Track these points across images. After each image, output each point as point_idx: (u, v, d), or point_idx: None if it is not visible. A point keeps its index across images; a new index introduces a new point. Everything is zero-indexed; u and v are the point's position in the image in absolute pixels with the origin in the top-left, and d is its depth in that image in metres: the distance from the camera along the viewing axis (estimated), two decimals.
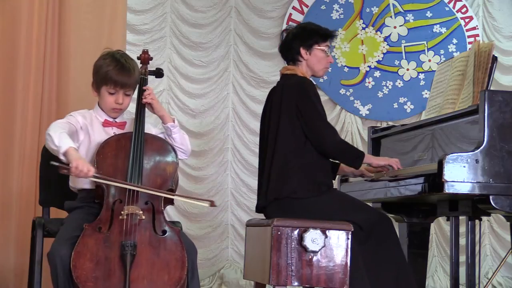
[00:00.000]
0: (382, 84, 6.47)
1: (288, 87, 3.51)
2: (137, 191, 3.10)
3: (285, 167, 3.42)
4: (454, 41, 6.54)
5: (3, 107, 4.75)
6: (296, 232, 3.19)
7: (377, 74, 6.47)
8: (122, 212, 3.04)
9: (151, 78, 3.57)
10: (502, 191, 3.13)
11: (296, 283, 3.19)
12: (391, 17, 6.53)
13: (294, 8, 6.42)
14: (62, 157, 3.05)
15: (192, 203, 3.16)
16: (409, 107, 6.47)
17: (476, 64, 3.56)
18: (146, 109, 3.35)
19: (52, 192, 3.58)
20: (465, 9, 6.58)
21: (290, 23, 6.34)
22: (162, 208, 3.14)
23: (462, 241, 4.05)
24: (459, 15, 6.57)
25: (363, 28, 6.50)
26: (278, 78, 3.74)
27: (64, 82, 4.95)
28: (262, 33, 6.38)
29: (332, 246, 3.21)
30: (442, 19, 6.57)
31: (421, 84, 6.49)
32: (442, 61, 5.98)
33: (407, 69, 6.50)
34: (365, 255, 3.33)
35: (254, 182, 5.90)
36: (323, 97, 5.84)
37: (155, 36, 6.16)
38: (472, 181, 3.13)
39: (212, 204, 3.16)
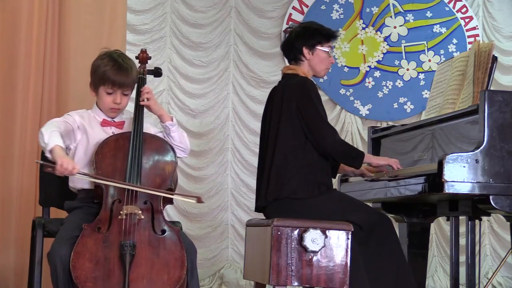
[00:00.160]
0: (382, 84, 6.47)
1: (289, 87, 3.51)
2: (136, 191, 3.10)
3: (285, 167, 3.42)
4: (454, 41, 6.54)
5: (3, 107, 4.75)
6: (296, 232, 3.19)
7: (377, 74, 6.47)
8: (121, 212, 3.05)
9: (150, 77, 3.57)
10: (502, 191, 3.13)
11: (296, 283, 3.19)
12: (391, 17, 6.53)
13: (294, 8, 6.42)
14: (48, 155, 3.07)
15: (180, 199, 3.14)
16: (409, 107, 6.47)
17: (476, 64, 3.56)
18: (145, 108, 3.35)
19: (52, 192, 3.58)
20: (465, 9, 6.58)
21: (290, 23, 6.34)
22: (162, 208, 3.14)
23: (462, 241, 4.05)
24: (459, 15, 6.57)
25: (363, 28, 6.50)
26: (278, 78, 3.74)
27: (64, 82, 4.95)
28: (262, 33, 6.38)
29: (332, 246, 3.21)
30: (442, 19, 6.57)
31: (421, 84, 6.49)
32: (442, 61, 5.98)
33: (407, 69, 6.50)
34: (365, 255, 3.33)
35: (254, 182, 5.84)
36: (323, 97, 5.83)
37: (155, 36, 6.16)
38: (472, 181, 3.13)
39: (199, 200, 3.16)
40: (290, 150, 3.43)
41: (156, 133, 3.39)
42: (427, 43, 6.53)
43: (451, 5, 6.57)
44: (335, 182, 3.91)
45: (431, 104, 3.94)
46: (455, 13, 6.57)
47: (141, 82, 3.39)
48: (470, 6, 6.59)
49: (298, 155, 3.43)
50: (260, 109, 6.03)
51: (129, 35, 5.79)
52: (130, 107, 3.39)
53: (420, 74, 6.51)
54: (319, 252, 3.18)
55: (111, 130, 3.33)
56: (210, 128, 6.22)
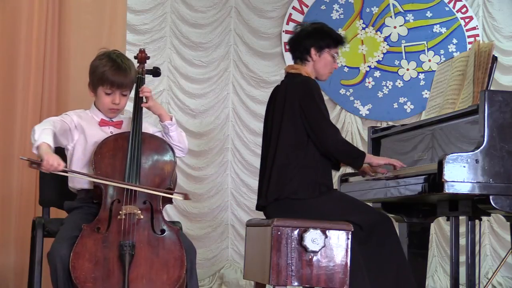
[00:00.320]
0: (382, 84, 6.47)
1: (292, 86, 3.51)
2: (135, 191, 3.10)
3: (286, 167, 3.42)
4: (454, 41, 6.54)
5: (3, 107, 4.75)
6: (296, 232, 3.19)
7: (377, 74, 6.47)
8: (120, 212, 3.05)
9: (149, 77, 3.56)
10: (502, 191, 3.13)
11: (296, 283, 3.19)
12: (391, 17, 6.53)
13: (294, 8, 6.42)
14: (35, 151, 3.08)
15: (168, 196, 3.13)
16: (409, 107, 6.47)
17: (476, 64, 3.56)
18: (144, 108, 3.35)
19: (52, 192, 3.58)
20: (465, 9, 6.58)
21: (291, 23, 6.35)
22: (161, 208, 3.14)
23: (462, 241, 4.05)
24: (459, 15, 6.57)
25: (363, 28, 6.50)
26: (278, 78, 3.75)
27: (64, 82, 4.95)
28: (262, 33, 6.38)
29: (332, 246, 3.21)
30: (442, 19, 6.57)
31: (421, 84, 6.49)
32: (442, 61, 5.98)
33: (407, 69, 6.50)
34: (366, 255, 3.33)
35: (254, 182, 5.90)
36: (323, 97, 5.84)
37: (155, 36, 6.16)
38: (472, 181, 3.13)
39: (186, 197, 3.15)
40: (291, 149, 3.43)
41: (154, 132, 3.39)
42: (427, 43, 6.53)
43: (451, 5, 6.57)
44: (335, 182, 3.91)
45: (431, 104, 3.94)
46: (455, 13, 6.57)
47: (140, 82, 3.39)
48: (470, 6, 6.59)
49: (299, 154, 3.43)
50: (260, 109, 6.06)
51: (129, 35, 5.79)
52: (129, 106, 3.39)
53: (420, 74, 6.50)
54: (319, 252, 3.18)
55: (110, 130, 3.33)
56: (210, 128, 6.22)
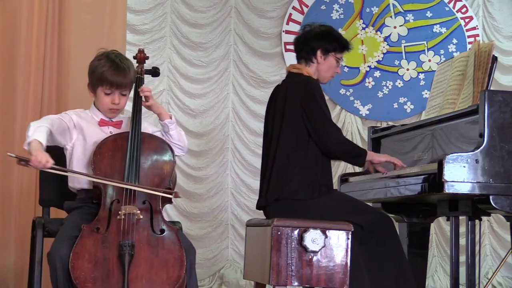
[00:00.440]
0: (382, 84, 6.47)
1: (293, 85, 3.51)
2: (134, 191, 3.10)
3: (286, 167, 3.42)
4: (454, 41, 6.54)
5: (3, 107, 4.75)
6: (296, 232, 3.19)
7: (377, 74, 6.47)
8: (119, 212, 3.05)
9: (148, 77, 3.56)
10: (502, 191, 3.13)
11: (296, 283, 3.19)
12: (391, 17, 6.53)
13: (294, 8, 6.42)
14: (26, 147, 3.07)
15: (157, 194, 3.12)
16: (409, 107, 6.47)
17: (476, 64, 3.56)
18: (144, 108, 3.35)
19: (52, 192, 3.57)
20: (465, 9, 6.58)
21: (291, 23, 6.35)
22: (160, 208, 3.14)
23: (462, 241, 4.05)
24: (459, 15, 6.57)
25: (363, 28, 6.50)
26: (278, 78, 3.75)
27: (64, 82, 4.95)
28: (262, 33, 6.38)
29: (332, 246, 3.20)
30: (442, 19, 6.57)
31: (421, 84, 6.49)
32: (442, 61, 5.98)
33: (407, 69, 6.50)
34: (366, 255, 3.33)
35: (254, 182, 5.91)
36: None
37: (155, 36, 6.16)
38: (472, 181, 3.12)
39: (176, 195, 3.14)
40: (292, 149, 3.43)
41: (154, 132, 3.39)
42: (427, 43, 6.53)
43: (451, 5, 6.57)
44: (335, 182, 3.91)
45: (431, 104, 3.94)
46: (455, 13, 6.57)
47: (139, 82, 3.39)
48: (470, 6, 6.59)
49: (300, 154, 3.43)
50: (260, 109, 6.06)
51: (129, 35, 5.79)
52: (128, 106, 3.39)
53: (420, 74, 6.51)
54: (319, 252, 3.18)
55: (109, 130, 3.33)
56: (210, 128, 6.22)
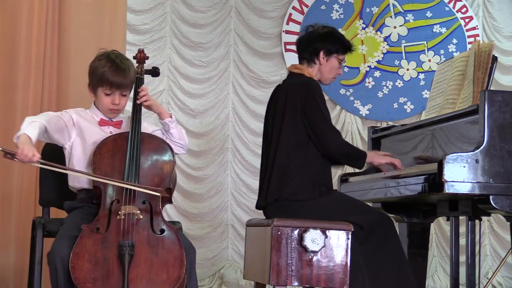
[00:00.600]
0: (382, 84, 6.47)
1: (294, 86, 3.51)
2: (134, 191, 3.10)
3: (286, 168, 3.42)
4: (454, 41, 6.54)
5: (3, 106, 4.75)
6: (296, 232, 3.19)
7: (377, 74, 6.47)
8: (119, 212, 3.05)
9: (148, 77, 3.56)
10: (502, 191, 3.13)
11: (296, 283, 3.19)
12: (391, 17, 6.53)
13: (294, 8, 6.42)
14: (15, 140, 3.06)
15: (145, 191, 3.11)
16: (409, 107, 6.47)
17: (476, 64, 3.56)
18: (143, 108, 3.35)
19: (52, 192, 3.57)
20: (465, 9, 6.58)
21: (291, 23, 6.35)
22: (160, 208, 3.14)
23: (462, 241, 4.05)
24: (459, 15, 6.57)
25: (363, 28, 6.50)
26: (278, 78, 3.74)
27: (64, 81, 4.95)
28: (262, 33, 6.38)
29: (332, 246, 3.20)
30: (442, 19, 6.57)
31: (421, 84, 6.49)
32: (442, 61, 5.98)
33: (407, 69, 6.50)
34: (366, 255, 3.32)
35: (254, 182, 5.91)
36: None
37: (155, 36, 6.17)
38: (472, 181, 3.12)
39: (162, 193, 3.13)
40: (292, 150, 3.43)
41: (154, 131, 3.38)
42: (427, 43, 6.53)
43: (451, 5, 6.57)
44: (335, 182, 3.91)
45: (431, 104, 3.93)
46: (455, 13, 6.57)
47: (139, 82, 3.39)
48: (470, 6, 6.59)
49: (300, 155, 3.42)
50: (260, 109, 6.06)
51: (129, 35, 5.79)
52: (128, 106, 3.39)
53: (420, 74, 6.51)
54: (319, 252, 3.18)
55: (109, 130, 3.33)
56: (210, 128, 6.22)
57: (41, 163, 3.05)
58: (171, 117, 3.35)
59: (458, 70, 3.72)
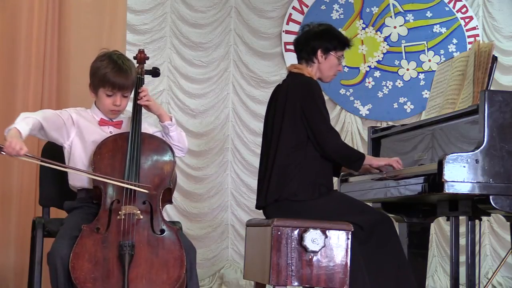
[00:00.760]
0: (382, 84, 6.47)
1: (294, 86, 3.50)
2: (135, 191, 3.10)
3: (286, 167, 3.42)
4: (454, 41, 6.54)
5: (3, 106, 4.75)
6: (296, 232, 3.19)
7: (377, 74, 6.47)
8: (119, 212, 3.05)
9: (149, 78, 3.56)
10: (502, 191, 3.13)
11: (296, 283, 3.19)
12: (391, 17, 6.53)
13: (294, 8, 6.42)
14: (5, 133, 3.05)
15: (133, 188, 3.11)
16: (409, 107, 6.47)
17: (476, 64, 3.56)
18: (144, 108, 3.35)
19: (52, 192, 3.57)
20: (465, 9, 6.58)
21: (291, 23, 6.35)
22: (160, 208, 3.14)
23: (462, 241, 4.05)
24: (459, 15, 6.57)
25: (363, 28, 6.50)
26: (278, 78, 3.74)
27: (64, 81, 4.95)
28: (262, 33, 6.38)
29: (332, 246, 3.20)
30: (442, 19, 6.57)
31: (421, 84, 6.49)
32: (442, 61, 5.98)
33: (407, 69, 6.50)
34: (366, 255, 3.32)
35: (254, 182, 5.87)
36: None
37: (155, 36, 6.17)
38: (472, 181, 3.12)
39: (150, 190, 3.12)
40: (292, 150, 3.43)
41: (154, 132, 3.38)
42: (427, 43, 6.53)
43: (451, 5, 6.57)
44: (335, 182, 3.91)
45: (431, 104, 3.93)
46: (455, 13, 6.57)
47: (139, 82, 3.39)
48: (470, 6, 6.59)
49: (300, 155, 3.42)
50: (260, 109, 6.06)
51: (129, 35, 5.79)
52: (129, 106, 3.39)
53: (420, 74, 6.51)
54: (319, 252, 3.18)
55: (109, 130, 3.33)
56: (210, 128, 6.22)
57: (28, 157, 3.04)
58: (171, 120, 3.35)
59: (458, 70, 3.72)
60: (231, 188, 6.22)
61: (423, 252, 4.03)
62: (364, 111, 6.44)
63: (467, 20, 6.57)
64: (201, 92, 6.24)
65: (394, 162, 3.56)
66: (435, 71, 4.11)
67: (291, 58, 3.72)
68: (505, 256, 5.00)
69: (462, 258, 3.83)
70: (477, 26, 6.58)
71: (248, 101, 6.30)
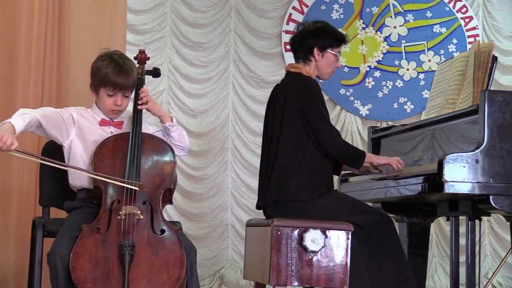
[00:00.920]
0: (382, 84, 6.47)
1: (293, 86, 3.50)
2: (135, 191, 3.09)
3: (286, 168, 3.41)
4: (454, 41, 6.54)
5: (3, 106, 4.74)
6: (296, 232, 3.19)
7: (377, 74, 6.47)
8: (120, 212, 3.04)
9: (149, 78, 3.56)
10: (502, 191, 3.13)
11: (296, 283, 3.19)
12: (391, 17, 6.53)
13: (294, 8, 6.42)
14: None
15: (124, 186, 3.10)
16: (409, 107, 6.47)
17: (476, 64, 3.56)
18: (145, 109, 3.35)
19: (52, 192, 3.57)
20: (465, 9, 6.58)
21: (291, 23, 6.35)
22: (161, 208, 3.14)
23: (462, 241, 4.05)
24: (459, 15, 6.57)
25: (363, 28, 6.50)
26: (278, 78, 3.74)
27: (64, 81, 4.95)
28: (262, 33, 6.38)
29: (332, 246, 3.20)
30: (442, 19, 6.57)
31: (421, 84, 6.49)
32: (442, 61, 5.99)
33: (407, 69, 6.50)
34: (366, 255, 3.32)
35: (254, 182, 5.90)
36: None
37: (155, 36, 6.17)
38: (472, 181, 3.13)
39: (140, 187, 3.12)
40: (292, 150, 3.43)
41: (154, 132, 3.38)
42: (427, 43, 6.53)
43: (451, 5, 6.57)
44: (335, 181, 3.91)
45: (431, 104, 3.94)
46: (455, 13, 6.57)
47: (140, 82, 3.39)
48: (470, 6, 6.59)
49: (299, 155, 3.42)
50: (260, 109, 6.06)
51: (129, 35, 5.79)
52: (129, 106, 3.39)
53: (420, 74, 6.51)
54: (319, 252, 3.18)
55: (110, 130, 3.33)
56: (210, 128, 6.22)
57: (21, 152, 3.03)
58: (172, 120, 3.35)
59: (458, 70, 3.72)
60: (231, 188, 6.22)
61: (423, 252, 4.03)
62: (364, 111, 6.44)
63: (467, 20, 6.57)
64: (201, 92, 6.24)
65: (394, 162, 3.56)
66: (435, 71, 4.11)
67: (291, 58, 3.71)
68: (505, 256, 5.00)
69: (462, 258, 3.83)
70: (477, 26, 6.58)
71: (248, 101, 6.30)
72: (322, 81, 5.91)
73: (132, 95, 3.38)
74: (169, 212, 5.84)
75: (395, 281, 3.35)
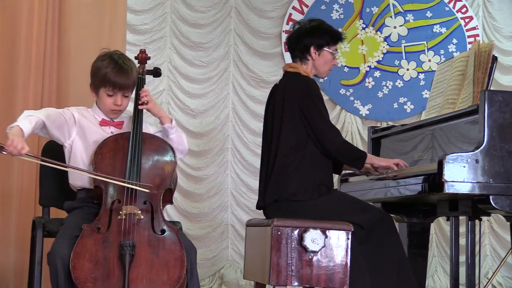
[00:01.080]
0: (382, 84, 6.47)
1: (291, 86, 3.50)
2: (136, 191, 3.10)
3: (286, 168, 3.41)
4: (454, 41, 6.54)
5: (3, 106, 4.75)
6: (296, 232, 3.19)
7: (377, 74, 6.47)
8: (120, 212, 3.05)
9: (149, 78, 3.56)
10: (502, 191, 3.13)
11: (296, 283, 3.19)
12: (391, 17, 6.53)
13: (294, 8, 6.42)
14: (7, 131, 3.04)
15: (134, 188, 3.10)
16: (409, 107, 6.47)
17: (476, 64, 3.56)
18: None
19: (52, 192, 3.57)
20: (465, 9, 6.58)
21: (291, 23, 6.34)
22: (161, 208, 3.14)
23: (462, 241, 4.05)
24: (459, 15, 6.57)
25: (363, 28, 6.50)
26: (278, 78, 3.73)
27: (64, 81, 4.95)
28: (262, 33, 6.38)
29: (332, 246, 3.21)
30: (442, 19, 6.57)
31: (421, 84, 6.49)
32: (442, 61, 5.99)
33: (407, 69, 6.50)
34: (366, 255, 3.32)
35: (254, 182, 5.91)
36: (323, 97, 5.85)
37: (155, 36, 6.17)
38: (472, 181, 3.13)
39: (151, 189, 3.12)
40: (292, 150, 3.43)
41: (155, 132, 3.39)
42: (427, 43, 6.53)
43: (451, 5, 6.57)
44: (335, 181, 3.91)
45: (431, 104, 3.94)
46: (455, 13, 6.57)
47: (141, 82, 3.39)
48: (470, 6, 6.59)
49: (299, 155, 3.42)
50: (260, 109, 6.06)
51: (129, 35, 5.79)
52: (130, 106, 3.39)
53: (420, 74, 6.50)
54: (319, 252, 3.18)
55: (110, 130, 3.33)
56: (210, 128, 6.22)
57: (30, 156, 3.03)
58: (171, 122, 3.35)
59: (458, 70, 3.72)
60: (231, 188, 6.22)
61: (423, 252, 4.03)
62: (364, 111, 6.44)
63: (467, 20, 6.57)
64: (201, 92, 6.24)
65: (394, 163, 3.55)
66: (435, 71, 4.11)
67: (290, 57, 3.71)
68: (505, 256, 5.00)
69: (462, 258, 3.83)
70: (477, 26, 6.57)
71: (248, 101, 6.30)
72: (321, 80, 5.92)
73: (133, 95, 3.38)
74: (169, 212, 5.84)
75: (395, 280, 3.35)
